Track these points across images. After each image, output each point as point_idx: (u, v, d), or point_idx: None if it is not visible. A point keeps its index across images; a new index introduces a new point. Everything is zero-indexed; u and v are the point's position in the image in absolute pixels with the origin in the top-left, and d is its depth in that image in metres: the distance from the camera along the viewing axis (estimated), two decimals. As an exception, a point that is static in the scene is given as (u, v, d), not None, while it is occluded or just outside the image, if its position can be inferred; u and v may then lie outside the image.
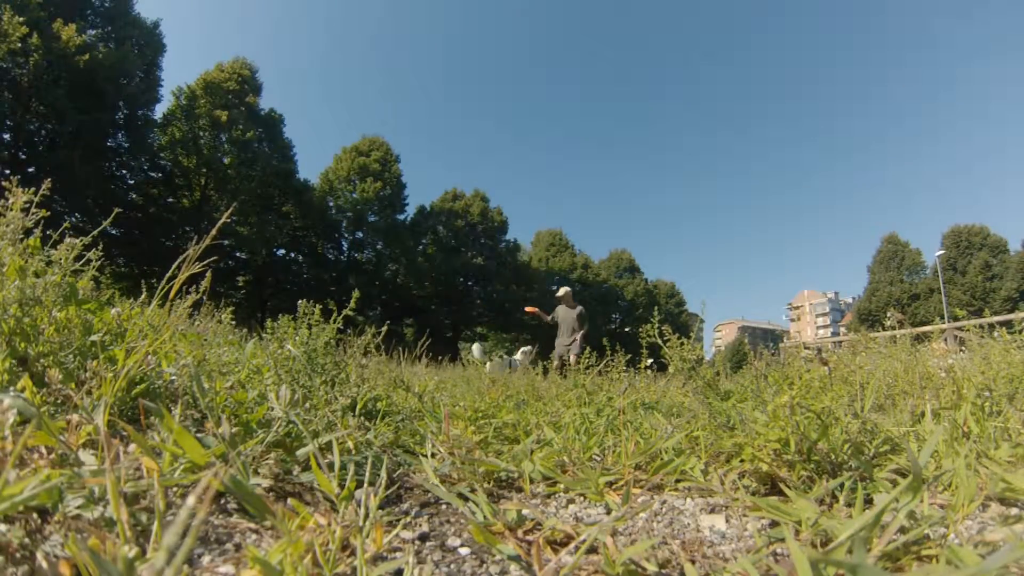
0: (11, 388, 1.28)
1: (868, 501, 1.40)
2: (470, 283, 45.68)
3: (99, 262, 2.11)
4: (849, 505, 1.34)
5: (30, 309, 1.57)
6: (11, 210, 1.72)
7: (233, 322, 3.32)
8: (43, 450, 1.06)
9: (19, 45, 23.62)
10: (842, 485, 1.44)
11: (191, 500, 0.35)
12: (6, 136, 25.47)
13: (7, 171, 24.14)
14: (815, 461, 1.58)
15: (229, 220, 30.96)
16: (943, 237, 52.64)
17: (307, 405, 1.76)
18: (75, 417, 1.20)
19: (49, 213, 1.91)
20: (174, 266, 2.01)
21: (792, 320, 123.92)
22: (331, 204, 40.65)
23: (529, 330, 46.45)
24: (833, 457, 1.58)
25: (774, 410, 1.65)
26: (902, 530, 1.06)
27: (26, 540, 0.73)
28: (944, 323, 3.63)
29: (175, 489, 1.07)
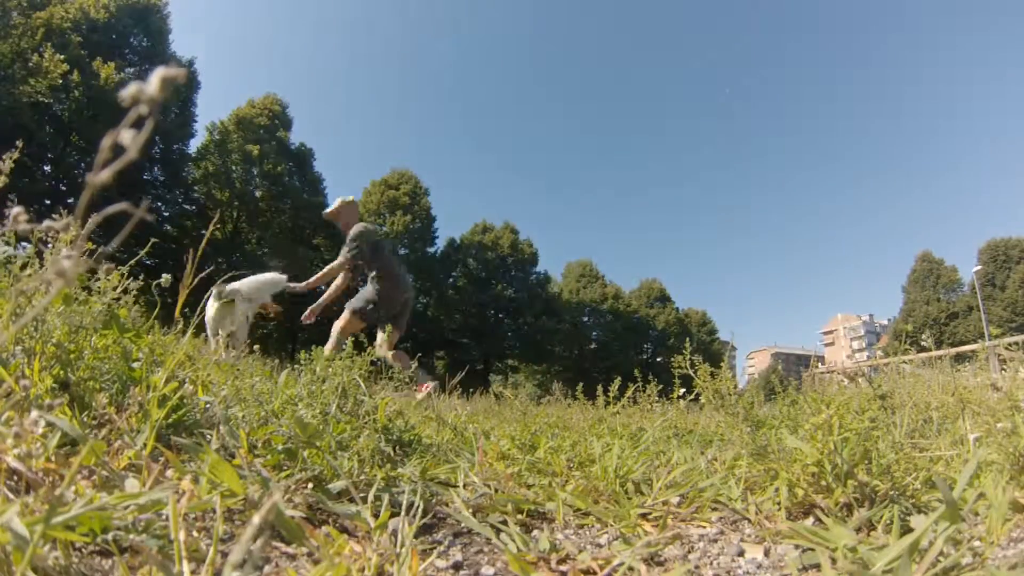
0: (52, 410, 1.32)
1: (906, 529, 1.36)
2: (501, 315, 45.60)
3: (137, 293, 2.18)
4: (887, 532, 1.30)
5: (74, 335, 1.63)
6: (59, 242, 1.79)
7: (263, 352, 3.38)
8: (84, 472, 1.09)
9: (60, 81, 24.81)
10: (878, 510, 1.40)
11: (249, 531, 0.36)
12: (47, 168, 26.61)
13: (48, 202, 25.17)
14: (853, 486, 1.53)
15: (260, 252, 31.74)
16: (979, 252, 51.13)
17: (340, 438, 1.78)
18: (117, 442, 1.23)
19: (94, 245, 1.99)
20: (206, 296, 2.07)
21: (827, 345, 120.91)
22: (361, 237, 41.00)
23: (561, 361, 46.07)
24: (871, 482, 1.54)
25: (810, 431, 1.61)
26: (941, 555, 1.03)
27: (73, 561, 0.75)
28: (985, 342, 3.52)
29: (210, 513, 1.09)
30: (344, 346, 2.32)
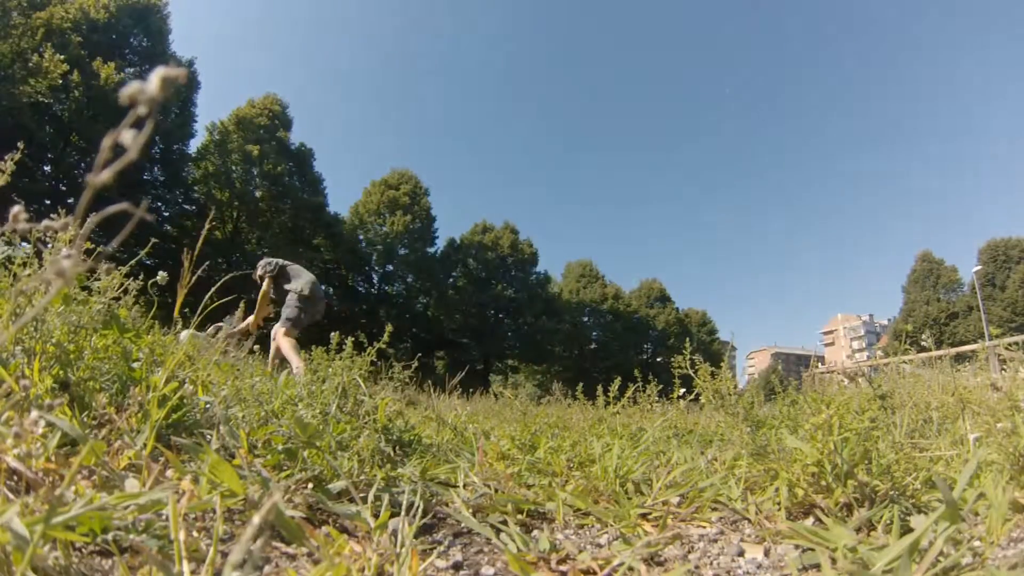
0: (52, 410, 1.32)
1: (906, 529, 1.36)
2: (501, 315, 45.53)
3: (137, 293, 2.18)
4: (887, 532, 1.30)
5: (74, 335, 1.62)
6: (58, 242, 1.80)
7: (263, 352, 3.40)
8: (84, 472, 1.09)
9: (60, 82, 24.81)
10: (878, 510, 1.40)
11: (249, 531, 0.36)
12: (47, 168, 26.62)
13: (48, 202, 25.17)
14: (853, 486, 1.53)
15: (260, 252, 31.76)
16: (979, 252, 51.00)
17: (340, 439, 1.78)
18: (117, 442, 1.23)
19: (93, 245, 1.99)
20: (207, 296, 2.07)
21: (827, 345, 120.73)
22: (361, 237, 40.94)
23: (561, 361, 46.07)
24: (871, 482, 1.54)
25: (811, 430, 1.61)
26: (941, 555, 1.03)
27: (73, 561, 0.75)
28: (985, 342, 3.51)
29: (210, 513, 1.09)
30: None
